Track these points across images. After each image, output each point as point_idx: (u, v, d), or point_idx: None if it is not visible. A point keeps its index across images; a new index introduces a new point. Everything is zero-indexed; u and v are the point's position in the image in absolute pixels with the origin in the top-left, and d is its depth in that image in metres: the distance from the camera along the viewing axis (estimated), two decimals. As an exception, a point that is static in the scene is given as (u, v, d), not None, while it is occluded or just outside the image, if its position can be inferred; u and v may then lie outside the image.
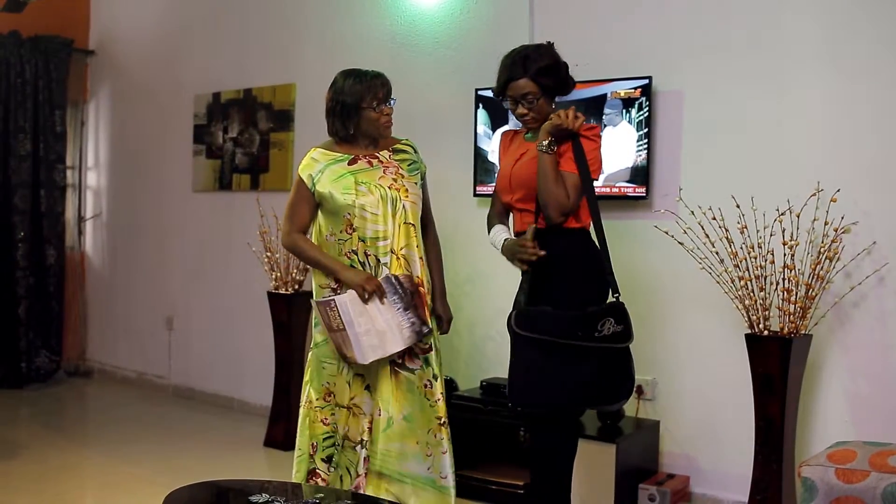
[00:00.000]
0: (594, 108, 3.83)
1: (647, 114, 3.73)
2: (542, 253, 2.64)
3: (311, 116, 4.73)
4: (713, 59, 3.66)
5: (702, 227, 3.42)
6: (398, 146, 3.09)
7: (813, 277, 3.22)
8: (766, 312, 3.26)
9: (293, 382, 4.46)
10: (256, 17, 5.44)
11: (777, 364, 3.18)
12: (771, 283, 3.27)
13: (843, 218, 3.24)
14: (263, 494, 2.41)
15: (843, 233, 3.24)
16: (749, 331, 3.29)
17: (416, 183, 3.04)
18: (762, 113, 3.55)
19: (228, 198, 5.63)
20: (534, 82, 2.72)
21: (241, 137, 5.51)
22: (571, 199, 2.67)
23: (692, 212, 3.45)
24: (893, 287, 3.28)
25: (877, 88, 3.30)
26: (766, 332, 3.25)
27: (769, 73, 3.53)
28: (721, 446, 3.66)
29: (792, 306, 3.21)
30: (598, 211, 2.72)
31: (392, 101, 3.03)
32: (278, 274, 4.74)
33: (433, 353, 2.98)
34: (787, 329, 3.22)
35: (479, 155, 4.24)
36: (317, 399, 3.02)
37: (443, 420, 2.97)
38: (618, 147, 3.79)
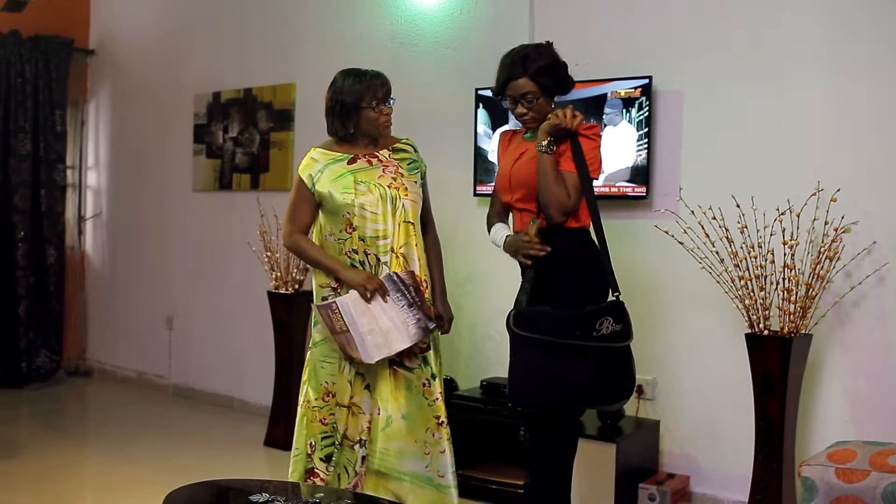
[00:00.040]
0: (594, 107, 3.83)
1: (647, 113, 3.73)
2: (549, 249, 2.64)
3: (311, 116, 4.73)
4: (713, 58, 3.66)
5: (702, 227, 3.42)
6: (398, 145, 3.09)
7: (813, 277, 3.23)
8: (767, 312, 3.26)
9: (293, 382, 4.46)
10: (256, 16, 5.44)
11: (777, 364, 3.18)
12: (771, 283, 3.27)
13: (843, 217, 3.24)
14: (263, 494, 2.41)
15: (843, 232, 3.24)
16: (749, 330, 3.29)
17: (415, 182, 3.04)
18: (762, 113, 3.55)
19: (228, 197, 5.63)
20: (533, 82, 2.72)
21: (241, 137, 5.51)
22: (572, 199, 2.67)
23: (692, 211, 3.45)
24: (893, 287, 3.28)
25: (877, 88, 3.30)
26: (766, 332, 3.25)
27: (769, 72, 3.53)
28: (721, 446, 3.66)
29: (792, 306, 3.21)
30: (598, 210, 2.72)
31: (392, 101, 3.03)
32: (278, 274, 4.74)
33: (431, 351, 2.98)
34: (787, 329, 3.22)
35: (480, 154, 4.24)
36: (315, 399, 3.02)
37: (441, 420, 2.97)
38: (618, 147, 3.80)
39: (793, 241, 3.22)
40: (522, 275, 2.73)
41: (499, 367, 4.12)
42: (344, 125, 3.00)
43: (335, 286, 2.96)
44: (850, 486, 2.38)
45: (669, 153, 3.77)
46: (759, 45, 3.55)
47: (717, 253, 3.39)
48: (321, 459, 3.01)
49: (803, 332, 3.24)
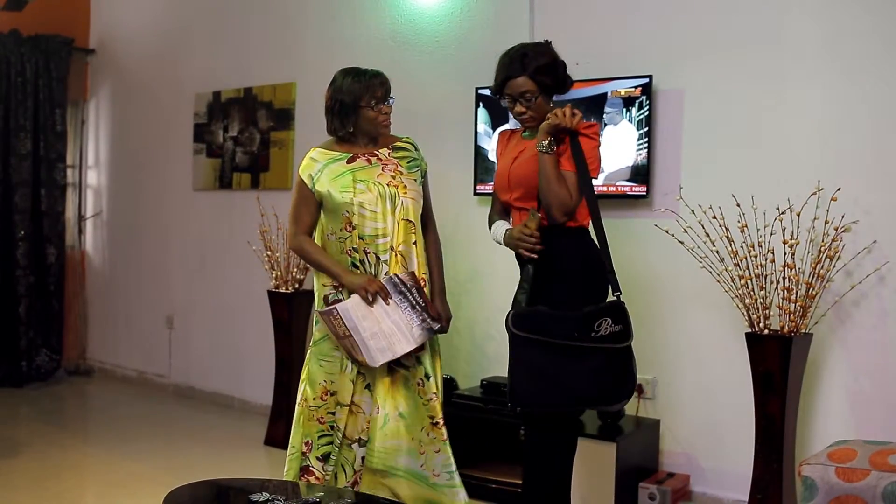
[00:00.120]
0: (595, 106, 3.83)
1: (647, 112, 3.73)
2: (541, 247, 2.64)
3: (311, 115, 4.73)
4: (714, 57, 3.66)
5: (702, 226, 3.42)
6: (398, 144, 3.09)
7: (813, 276, 3.22)
8: (767, 311, 3.26)
9: (293, 381, 4.46)
10: (257, 15, 5.44)
11: (777, 363, 3.18)
12: (771, 282, 3.27)
13: (843, 217, 3.24)
14: (264, 493, 2.41)
15: (843, 232, 3.24)
16: (749, 330, 3.29)
17: (415, 180, 3.04)
18: (762, 112, 3.55)
19: (229, 197, 5.63)
20: (532, 81, 2.72)
21: (241, 136, 5.51)
22: (574, 198, 2.66)
23: (692, 210, 3.45)
24: (894, 286, 3.28)
25: (877, 88, 3.30)
26: (766, 331, 3.25)
27: (770, 71, 3.53)
28: (721, 445, 3.66)
29: (792, 305, 3.21)
30: (598, 209, 2.71)
31: (391, 100, 3.03)
32: (279, 273, 4.74)
33: (425, 351, 2.98)
34: (787, 328, 3.22)
35: (480, 154, 4.24)
36: (313, 398, 3.02)
37: (436, 420, 2.96)
38: (618, 146, 3.79)
39: (793, 241, 3.22)
40: (521, 274, 2.73)
41: (499, 366, 4.12)
42: (343, 124, 3.00)
43: (337, 285, 2.97)
44: (851, 486, 2.38)
45: (670, 152, 3.77)
46: (760, 44, 3.55)
47: (717, 252, 3.39)
48: (318, 458, 3.01)
49: (803, 331, 3.24)
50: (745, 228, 3.31)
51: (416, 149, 3.12)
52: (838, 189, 3.23)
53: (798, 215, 3.26)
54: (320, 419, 3.01)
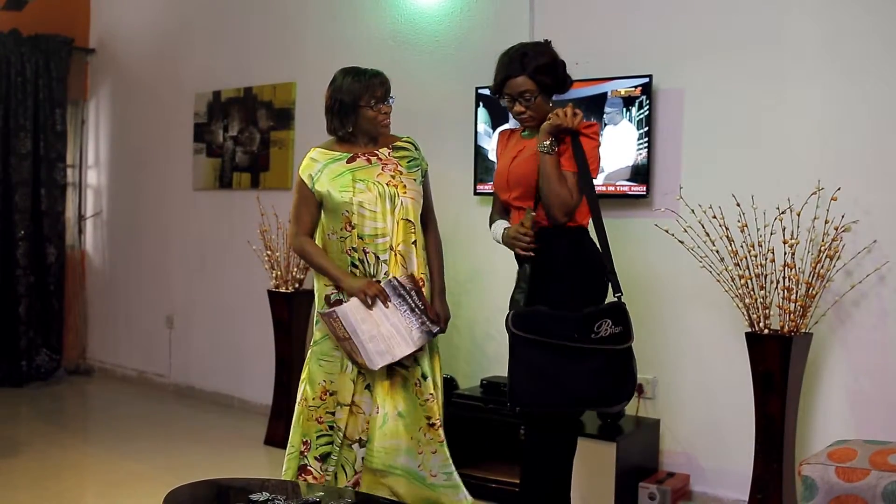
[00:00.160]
0: (595, 106, 3.83)
1: (647, 112, 3.73)
2: (536, 246, 2.66)
3: (311, 115, 4.73)
4: (714, 57, 3.66)
5: (702, 226, 3.42)
6: (398, 143, 3.09)
7: (813, 276, 3.22)
8: (767, 311, 3.26)
9: (293, 381, 4.46)
10: (257, 15, 5.44)
11: (777, 363, 3.18)
12: (771, 282, 3.27)
13: (843, 216, 3.24)
14: (264, 493, 2.41)
15: (843, 231, 3.24)
16: (749, 329, 3.29)
17: (415, 180, 3.04)
18: (763, 111, 3.55)
19: (229, 196, 5.63)
20: (531, 80, 2.71)
21: (241, 136, 5.51)
22: (575, 198, 2.66)
23: (692, 210, 3.45)
24: (894, 285, 3.28)
25: (877, 88, 3.30)
26: (766, 331, 3.25)
27: (770, 71, 3.53)
28: (721, 445, 3.66)
29: (792, 305, 3.21)
30: (599, 209, 2.71)
31: (391, 100, 3.03)
32: (279, 272, 4.74)
33: (423, 352, 2.98)
34: (787, 328, 3.22)
35: (480, 153, 4.24)
36: (312, 397, 3.02)
37: (432, 421, 2.97)
38: (618, 145, 3.79)
39: (793, 240, 3.22)
40: (518, 273, 2.73)
41: (499, 366, 4.12)
42: (343, 124, 3.00)
43: (337, 288, 2.98)
44: (851, 485, 2.38)
45: (670, 152, 3.77)
46: (760, 43, 3.55)
47: (717, 252, 3.39)
48: (316, 458, 3.01)
49: (803, 330, 3.24)
50: (745, 228, 3.31)
51: (416, 148, 3.12)
52: (838, 189, 3.23)
53: (798, 215, 3.26)
54: (319, 419, 3.01)
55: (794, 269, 3.21)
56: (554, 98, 2.84)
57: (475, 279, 4.32)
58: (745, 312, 3.30)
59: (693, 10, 3.72)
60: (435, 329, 2.94)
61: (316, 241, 3.06)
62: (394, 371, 2.97)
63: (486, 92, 4.11)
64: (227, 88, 5.59)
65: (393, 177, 2.99)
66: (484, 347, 4.33)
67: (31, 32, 6.11)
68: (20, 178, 6.10)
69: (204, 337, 5.81)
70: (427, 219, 3.12)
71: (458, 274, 4.23)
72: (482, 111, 4.22)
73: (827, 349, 3.42)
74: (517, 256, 2.77)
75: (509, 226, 2.82)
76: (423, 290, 3.00)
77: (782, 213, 3.28)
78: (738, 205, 3.35)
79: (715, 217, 3.38)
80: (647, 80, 3.73)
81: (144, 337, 6.23)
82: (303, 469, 3.02)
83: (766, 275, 3.27)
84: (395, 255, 2.94)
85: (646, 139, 3.74)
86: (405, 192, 2.98)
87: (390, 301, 2.89)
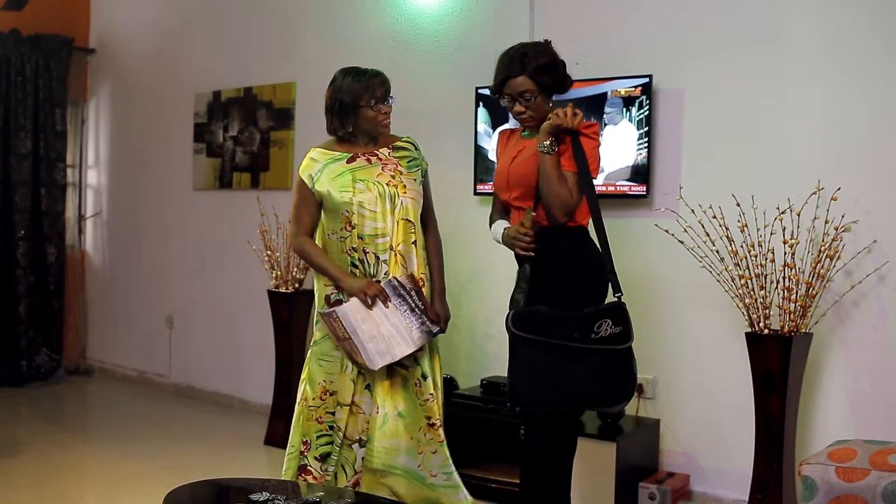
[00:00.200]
0: (595, 106, 3.83)
1: (647, 112, 3.73)
2: (535, 246, 2.66)
3: (311, 115, 4.73)
4: (714, 57, 3.66)
5: (702, 226, 3.42)
6: (398, 143, 3.09)
7: (813, 276, 3.22)
8: (767, 311, 3.26)
9: (293, 381, 4.46)
10: (257, 15, 5.44)
11: (777, 362, 3.18)
12: (771, 282, 3.27)
13: (843, 216, 3.24)
14: (264, 493, 2.41)
15: (843, 231, 3.24)
16: (749, 329, 3.29)
17: (415, 179, 3.04)
18: (763, 111, 3.55)
19: (229, 196, 5.63)
20: (531, 80, 2.71)
21: (241, 136, 5.51)
22: (575, 198, 2.66)
23: (692, 210, 3.45)
24: (894, 285, 3.28)
25: (877, 88, 3.30)
26: (766, 331, 3.25)
27: (770, 71, 3.53)
28: (721, 445, 3.66)
29: (792, 305, 3.21)
30: (599, 210, 2.70)
31: (391, 100, 3.03)
32: (279, 272, 4.74)
33: (423, 352, 2.98)
34: (787, 328, 3.22)
35: (480, 153, 4.24)
36: (312, 397, 3.02)
37: (432, 421, 2.97)
38: (618, 145, 3.79)
39: (793, 240, 3.22)
40: (518, 273, 2.73)
41: (499, 365, 4.12)
42: (343, 124, 3.01)
43: (337, 289, 2.98)
44: (851, 485, 2.38)
45: (670, 152, 3.77)
46: (760, 43, 3.55)
47: (717, 252, 3.39)
48: (316, 458, 3.01)
49: (803, 330, 3.24)
50: (745, 228, 3.31)
51: (416, 148, 3.12)
52: (838, 189, 3.23)
53: (798, 215, 3.26)
54: (319, 419, 3.01)
55: (794, 269, 3.21)
56: (554, 98, 2.84)
57: (475, 279, 4.32)
58: (745, 312, 3.30)
59: (693, 10, 3.72)
60: (435, 329, 2.95)
61: (316, 241, 3.06)
62: (394, 371, 2.97)
63: (486, 92, 4.11)
64: (227, 88, 5.59)
65: (393, 177, 2.99)
66: (484, 347, 4.33)
67: (31, 32, 6.12)
68: (20, 177, 6.10)
69: (204, 337, 5.81)
70: (427, 219, 3.12)
71: (458, 274, 4.23)
72: (482, 111, 4.22)
73: (827, 349, 3.42)
74: (517, 256, 2.77)
75: (509, 226, 2.82)
76: (423, 289, 3.00)
77: (782, 213, 3.28)
78: (738, 205, 3.35)
79: (715, 217, 3.38)
80: (647, 80, 3.73)
81: (144, 337, 6.23)
82: (303, 469, 3.02)
83: (766, 275, 3.27)
84: (395, 255, 2.94)
85: (646, 139, 3.74)
86: (405, 192, 2.98)
87: (390, 301, 2.89)
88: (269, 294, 4.77)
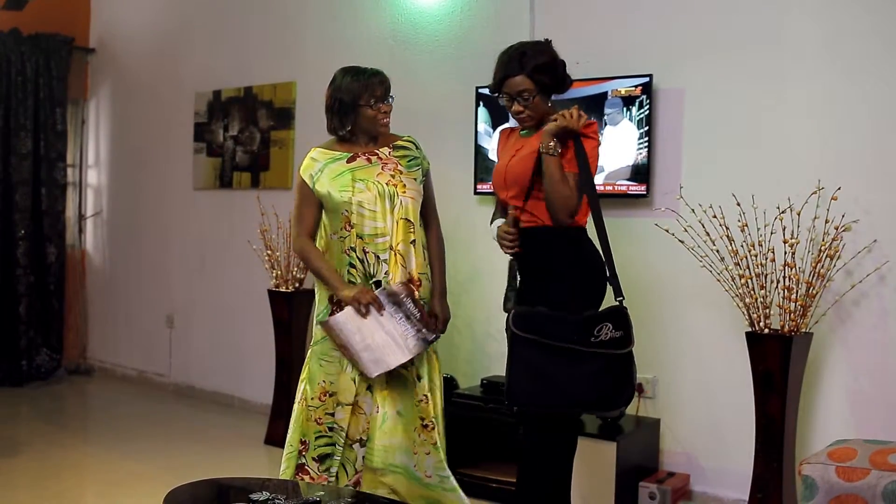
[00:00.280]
0: (595, 106, 3.83)
1: (647, 112, 3.73)
2: (518, 248, 2.69)
3: (311, 114, 4.73)
4: (714, 56, 3.66)
5: (702, 225, 3.42)
6: (399, 143, 3.09)
7: (813, 276, 3.22)
8: (767, 310, 3.26)
9: (294, 381, 4.44)
10: (257, 14, 5.44)
11: (777, 362, 3.18)
12: (771, 282, 3.27)
13: (843, 216, 3.24)
14: (264, 492, 2.41)
15: (843, 231, 3.24)
16: (750, 329, 3.29)
17: (415, 179, 3.03)
18: (763, 111, 3.55)
19: (229, 196, 5.63)
20: (530, 79, 2.70)
21: (241, 135, 5.51)
22: (578, 200, 2.65)
23: (693, 210, 3.45)
24: (894, 285, 3.28)
25: (877, 88, 3.30)
26: (766, 331, 3.25)
27: (770, 70, 3.53)
28: (722, 444, 3.66)
29: (792, 304, 3.21)
30: (600, 210, 2.69)
31: (390, 99, 3.03)
32: (279, 272, 4.74)
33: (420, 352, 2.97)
34: (787, 327, 3.22)
35: (480, 153, 4.24)
36: (312, 398, 3.02)
37: (426, 422, 2.97)
38: (619, 145, 3.79)
39: (793, 240, 3.22)
40: (509, 270, 2.75)
41: (499, 365, 4.12)
42: (342, 123, 3.00)
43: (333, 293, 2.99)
44: (851, 485, 2.38)
45: (670, 151, 3.77)
46: (760, 43, 3.55)
47: (717, 251, 3.39)
48: (314, 459, 3.00)
49: (804, 330, 3.24)
50: (746, 228, 3.31)
51: (417, 147, 3.12)
52: (838, 188, 3.23)
53: (798, 214, 3.26)
54: (318, 420, 3.01)
55: (794, 269, 3.21)
56: (553, 98, 2.83)
57: (475, 279, 4.32)
58: (746, 312, 3.30)
59: (693, 10, 3.72)
60: (430, 337, 2.93)
61: (320, 242, 3.06)
62: (394, 371, 2.97)
63: (487, 91, 4.11)
64: (227, 88, 5.59)
65: (393, 176, 2.99)
66: (484, 347, 4.33)
67: (31, 32, 6.12)
68: (20, 177, 6.09)
69: (204, 336, 5.81)
70: (430, 217, 3.12)
71: (458, 274, 4.23)
72: (482, 111, 4.22)
73: (827, 349, 3.42)
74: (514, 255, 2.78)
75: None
76: (424, 288, 3.00)
77: (782, 212, 3.28)
78: (739, 204, 3.35)
79: (715, 217, 3.38)
80: (647, 79, 3.73)
81: (145, 336, 6.23)
82: (300, 469, 3.02)
83: (767, 274, 3.27)
84: (395, 254, 2.94)
85: (646, 139, 3.74)
86: (405, 192, 2.98)
87: (385, 309, 2.87)
88: (269, 294, 4.77)
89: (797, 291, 3.21)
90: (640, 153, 3.75)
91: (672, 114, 3.76)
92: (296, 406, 3.07)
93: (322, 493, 2.53)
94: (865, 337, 3.34)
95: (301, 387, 3.06)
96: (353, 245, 2.95)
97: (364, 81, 2.97)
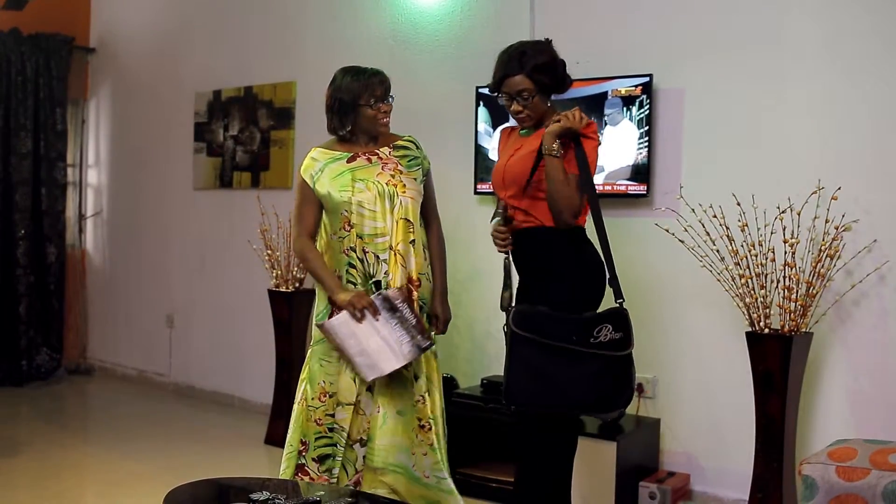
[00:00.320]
0: (595, 106, 3.83)
1: (647, 111, 3.73)
2: (509, 243, 2.72)
3: (311, 114, 4.73)
4: (714, 56, 3.66)
5: (702, 225, 3.42)
6: (399, 143, 3.09)
7: (814, 275, 3.22)
8: (767, 310, 3.26)
9: (294, 380, 4.44)
10: (257, 14, 5.44)
11: (778, 362, 3.18)
12: (772, 281, 3.27)
13: (843, 216, 3.24)
14: (264, 492, 2.41)
15: (843, 231, 3.24)
16: (750, 329, 3.29)
17: (415, 179, 3.03)
18: (763, 110, 3.55)
19: (229, 196, 5.63)
20: (529, 79, 2.68)
21: (241, 135, 5.51)
22: (581, 201, 2.65)
23: (693, 210, 3.45)
24: (894, 285, 3.28)
25: (877, 87, 3.30)
26: (766, 330, 3.25)
27: (770, 70, 3.53)
28: (722, 444, 3.66)
29: (793, 304, 3.21)
30: (600, 211, 2.69)
31: (391, 99, 3.03)
32: (279, 272, 4.74)
33: None
34: (787, 327, 3.22)
35: (480, 153, 4.24)
36: (312, 398, 3.02)
37: (422, 423, 2.97)
38: (619, 145, 3.79)
39: (793, 240, 3.22)
40: (504, 269, 2.76)
41: (499, 365, 4.07)
42: (342, 123, 3.00)
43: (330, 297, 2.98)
44: (851, 485, 2.38)
45: (670, 151, 3.77)
46: (760, 42, 3.55)
47: (717, 251, 3.39)
48: (314, 459, 3.00)
49: (804, 330, 3.24)
50: (746, 227, 3.31)
51: (417, 147, 3.12)
52: (839, 188, 3.23)
53: (798, 214, 3.26)
54: (318, 420, 3.00)
55: (794, 269, 3.21)
56: (553, 97, 2.83)
57: (475, 279, 4.32)
58: (746, 312, 3.30)
59: (693, 10, 3.72)
60: (424, 344, 2.90)
61: (320, 242, 3.06)
62: (394, 371, 2.96)
63: (487, 91, 4.10)
64: (227, 88, 5.59)
65: (393, 176, 2.98)
66: (484, 347, 4.33)
67: (31, 31, 6.12)
68: (20, 177, 6.10)
69: (204, 336, 5.81)
70: (431, 217, 3.12)
71: (458, 273, 4.23)
72: (482, 110, 4.22)
73: (827, 349, 3.42)
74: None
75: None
76: (424, 288, 3.00)
77: (783, 212, 3.28)
78: (739, 204, 3.35)
79: (715, 216, 3.38)
80: (647, 79, 3.73)
81: (145, 336, 6.23)
82: (300, 469, 3.01)
83: (767, 274, 3.27)
84: (395, 254, 2.94)
85: (646, 138, 3.74)
86: (405, 192, 2.97)
87: (380, 314, 2.86)
88: (269, 293, 4.77)
89: (797, 291, 3.21)
90: (640, 153, 3.76)
91: (672, 114, 3.76)
92: (296, 406, 3.06)
93: (322, 493, 2.53)
94: (865, 337, 3.34)
95: (301, 387, 3.06)
96: (352, 245, 2.95)
97: (364, 81, 2.97)
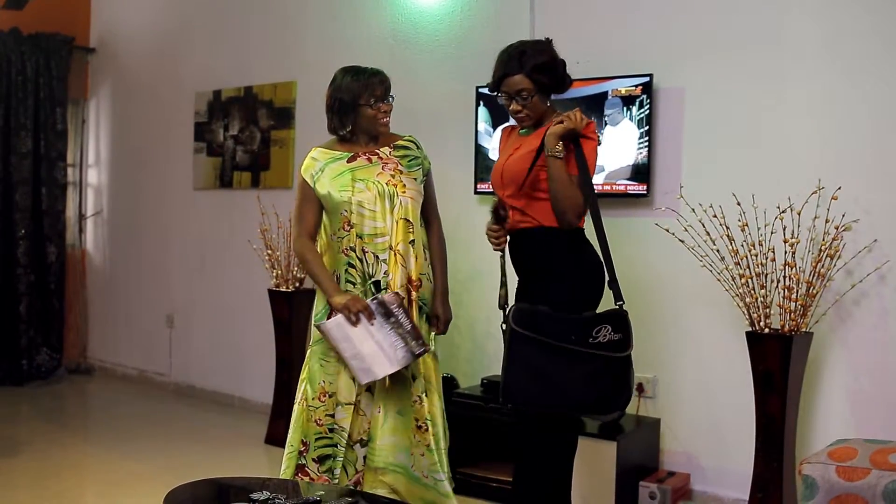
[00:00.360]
0: (595, 105, 3.83)
1: (648, 111, 3.73)
2: (502, 241, 2.74)
3: (311, 114, 4.73)
4: (714, 56, 3.66)
5: (703, 225, 3.42)
6: (400, 142, 3.09)
7: (814, 275, 3.23)
8: (767, 310, 3.26)
9: (294, 380, 4.44)
10: (257, 14, 5.44)
11: (778, 362, 3.18)
12: (772, 281, 3.27)
13: (843, 216, 3.24)
14: (264, 492, 2.41)
15: (843, 230, 3.24)
16: (750, 328, 3.29)
17: (415, 179, 3.03)
18: (763, 110, 3.55)
19: (229, 195, 5.63)
20: (529, 79, 2.68)
21: (241, 135, 5.51)
22: (584, 201, 2.65)
23: (693, 209, 3.45)
24: (894, 285, 3.28)
25: (877, 87, 3.30)
26: (766, 330, 3.25)
27: (770, 70, 3.53)
28: (722, 444, 3.66)
29: (793, 304, 3.21)
30: (599, 211, 2.68)
31: (391, 99, 3.03)
32: (279, 272, 4.75)
33: None
34: (787, 327, 3.22)
35: (480, 152, 4.24)
36: (312, 398, 3.01)
37: (420, 423, 2.97)
38: (619, 145, 3.79)
39: (793, 240, 3.22)
40: (501, 268, 2.77)
41: (499, 365, 4.09)
42: (343, 123, 3.00)
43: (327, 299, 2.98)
44: (851, 485, 2.38)
45: (670, 151, 3.77)
46: (760, 42, 3.55)
47: (717, 251, 3.39)
48: (314, 460, 3.00)
49: (804, 330, 3.24)
50: (746, 227, 3.31)
51: (418, 147, 3.12)
52: (839, 188, 3.23)
53: (798, 214, 3.26)
54: (318, 421, 3.00)
55: (794, 269, 3.22)
56: (553, 97, 2.83)
57: (475, 278, 4.32)
58: (746, 312, 3.30)
59: (693, 10, 3.72)
60: (418, 350, 2.88)
61: (321, 243, 3.06)
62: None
63: (487, 91, 4.10)
64: (227, 87, 5.59)
65: (393, 176, 2.98)
66: (484, 346, 4.33)
67: (31, 31, 6.12)
68: (21, 176, 6.10)
69: (204, 336, 5.81)
70: (431, 217, 3.11)
71: (459, 273, 4.22)
72: (483, 110, 4.22)
73: (827, 348, 3.42)
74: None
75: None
76: (424, 289, 2.99)
77: (783, 212, 3.28)
78: (739, 204, 3.35)
79: (715, 216, 3.38)
80: (647, 79, 3.73)
81: (145, 336, 6.23)
82: (300, 469, 3.01)
83: (767, 274, 3.27)
84: (395, 254, 2.94)
85: (646, 138, 3.74)
86: (405, 192, 2.97)
87: (375, 318, 2.86)
88: (269, 293, 4.77)
89: (797, 291, 3.22)
90: (641, 153, 3.76)
91: (672, 113, 3.76)
92: (296, 406, 3.06)
93: (322, 492, 2.53)
94: (865, 336, 3.35)
95: (301, 387, 3.06)
96: (352, 245, 2.95)
97: (364, 81, 2.97)
